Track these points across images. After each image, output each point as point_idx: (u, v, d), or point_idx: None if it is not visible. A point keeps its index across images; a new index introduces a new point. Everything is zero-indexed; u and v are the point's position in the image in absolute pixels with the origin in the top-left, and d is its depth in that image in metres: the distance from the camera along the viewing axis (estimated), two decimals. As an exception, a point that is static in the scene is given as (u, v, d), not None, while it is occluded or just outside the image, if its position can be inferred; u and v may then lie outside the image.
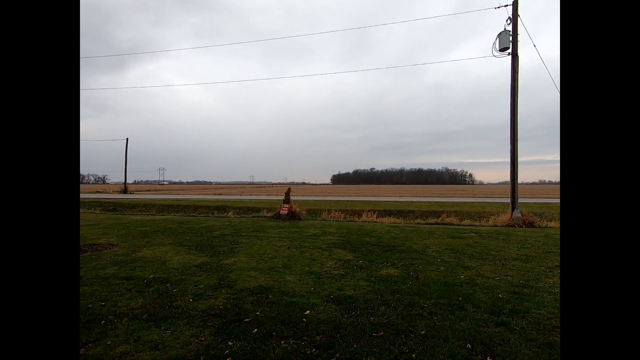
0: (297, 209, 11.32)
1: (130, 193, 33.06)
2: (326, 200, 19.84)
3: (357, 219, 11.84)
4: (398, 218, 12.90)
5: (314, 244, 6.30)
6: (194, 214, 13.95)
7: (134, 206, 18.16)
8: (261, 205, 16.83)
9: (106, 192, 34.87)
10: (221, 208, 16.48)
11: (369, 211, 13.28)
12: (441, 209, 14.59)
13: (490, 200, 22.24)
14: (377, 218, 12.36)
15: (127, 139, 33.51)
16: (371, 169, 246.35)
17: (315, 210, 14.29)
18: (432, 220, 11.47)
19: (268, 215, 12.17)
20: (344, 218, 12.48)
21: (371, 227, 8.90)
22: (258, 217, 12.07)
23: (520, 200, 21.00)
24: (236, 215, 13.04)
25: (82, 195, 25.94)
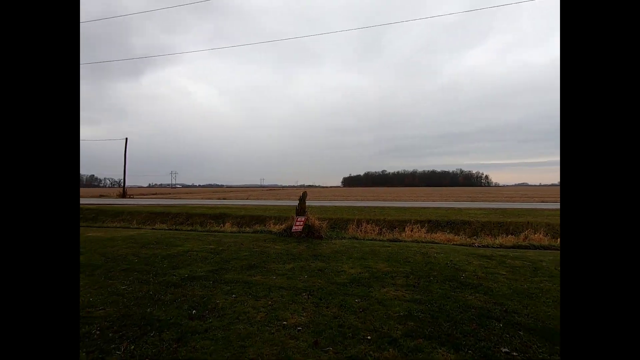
0: (316, 222, 7.88)
1: (129, 197, 30.58)
2: (348, 207, 16.29)
3: (400, 236, 8.33)
4: (454, 233, 9.32)
5: (370, 321, 2.88)
6: (180, 227, 10.78)
7: (117, 214, 15.25)
8: (268, 212, 13.54)
9: (109, 197, 32.72)
10: (218, 217, 13.29)
11: (413, 223, 9.73)
12: (507, 220, 10.85)
13: (544, 206, 18.20)
14: (426, 233, 8.82)
15: (127, 139, 31.11)
16: (382, 171, 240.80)
17: (337, 221, 10.85)
18: (513, 241, 7.81)
19: (275, 229, 8.83)
20: (380, 233, 9.00)
21: (442, 256, 5.39)
22: (261, 232, 8.75)
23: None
24: (233, 229, 9.77)
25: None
